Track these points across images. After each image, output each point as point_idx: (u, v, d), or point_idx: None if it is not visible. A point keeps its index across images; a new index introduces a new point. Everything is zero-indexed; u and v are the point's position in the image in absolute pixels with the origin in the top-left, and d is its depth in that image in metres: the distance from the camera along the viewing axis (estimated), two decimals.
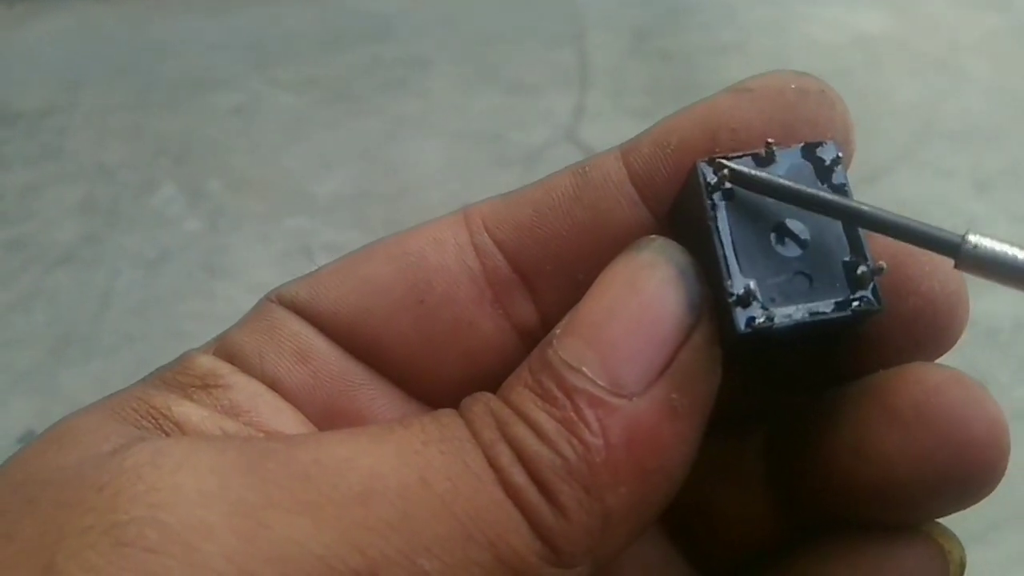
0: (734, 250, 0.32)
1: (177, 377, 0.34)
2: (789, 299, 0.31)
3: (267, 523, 0.27)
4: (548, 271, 0.35)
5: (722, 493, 0.37)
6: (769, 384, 0.37)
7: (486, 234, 0.36)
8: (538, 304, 0.36)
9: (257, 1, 2.00)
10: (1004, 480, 0.31)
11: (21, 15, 1.98)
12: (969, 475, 0.31)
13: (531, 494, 0.29)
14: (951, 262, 0.32)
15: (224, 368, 0.34)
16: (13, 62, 1.88)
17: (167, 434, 0.32)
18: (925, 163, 1.62)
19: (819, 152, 0.33)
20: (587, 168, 0.35)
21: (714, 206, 0.32)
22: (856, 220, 0.32)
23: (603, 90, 1.78)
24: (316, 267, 0.37)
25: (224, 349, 0.35)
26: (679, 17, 1.95)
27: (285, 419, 0.34)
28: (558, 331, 0.31)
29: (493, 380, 0.33)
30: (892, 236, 0.31)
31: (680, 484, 0.31)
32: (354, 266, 0.36)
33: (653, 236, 0.33)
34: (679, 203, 0.34)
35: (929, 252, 0.33)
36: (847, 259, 0.32)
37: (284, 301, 0.36)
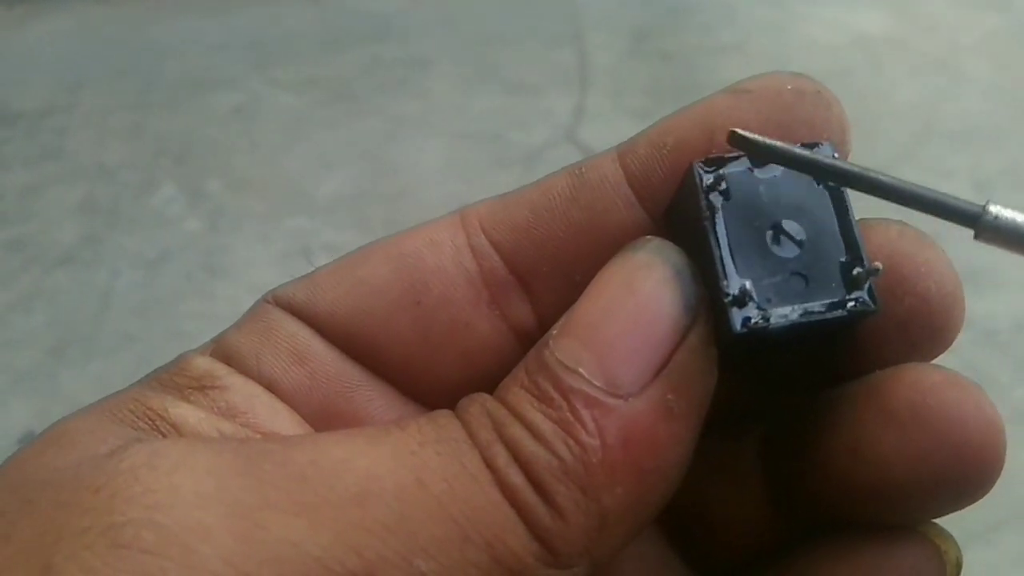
0: (730, 250, 0.32)
1: (174, 378, 0.34)
2: (785, 299, 0.31)
3: (264, 524, 0.27)
4: (545, 272, 0.35)
5: (719, 493, 0.37)
6: (765, 384, 0.37)
7: (483, 235, 0.36)
8: (535, 305, 0.36)
9: (257, 1, 2.00)
10: (1003, 481, 0.31)
11: (21, 16, 1.98)
12: (965, 476, 0.31)
13: (528, 495, 0.29)
14: (947, 262, 0.32)
15: (221, 369, 0.34)
16: (13, 63, 1.89)
17: (164, 436, 0.32)
18: (925, 163, 1.62)
19: (816, 153, 0.33)
20: (583, 169, 0.35)
21: (710, 207, 0.32)
22: (876, 190, 0.31)
23: (603, 90, 1.78)
24: (316, 267, 0.37)
25: (221, 350, 0.35)
26: (679, 17, 1.95)
27: (282, 420, 0.34)
28: (554, 332, 0.31)
29: (490, 381, 0.33)
30: (911, 207, 0.31)
31: (677, 484, 0.31)
32: (351, 267, 0.36)
33: (649, 237, 0.33)
34: (675, 204, 0.34)
35: (925, 252, 0.33)
36: (843, 260, 0.32)
37: (281, 302, 0.36)
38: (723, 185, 0.32)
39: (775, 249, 0.32)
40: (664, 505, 0.31)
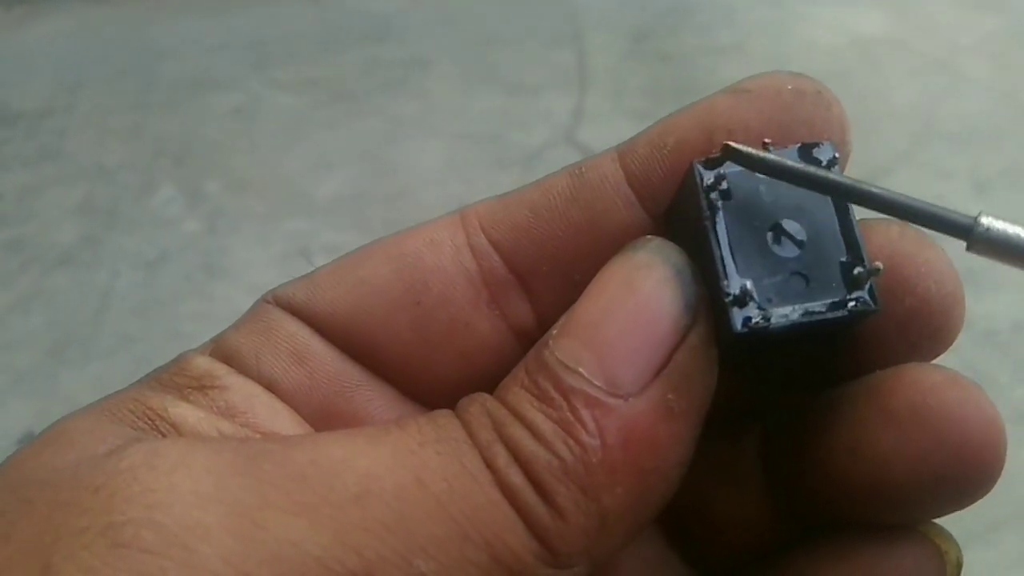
0: (730, 250, 0.32)
1: (173, 378, 0.34)
2: (785, 299, 0.31)
3: (263, 524, 0.27)
4: (544, 272, 0.35)
5: (719, 493, 0.37)
6: (766, 384, 0.37)
7: (482, 235, 0.36)
8: (534, 305, 0.36)
9: (256, 2, 2.00)
10: (1003, 481, 0.31)
11: (20, 17, 1.98)
12: (965, 476, 0.31)
13: (528, 495, 0.29)
14: (948, 262, 0.32)
15: (220, 369, 0.34)
16: (12, 64, 1.89)
17: (163, 435, 0.32)
18: (924, 164, 1.62)
19: (816, 153, 0.33)
20: (583, 169, 0.35)
21: (711, 206, 0.32)
22: (868, 202, 0.31)
23: (602, 91, 1.78)
24: (315, 268, 0.37)
25: (220, 350, 0.35)
26: (678, 18, 1.95)
27: (281, 420, 0.34)
28: (554, 332, 0.31)
29: (490, 381, 0.33)
30: (904, 218, 0.31)
31: (677, 484, 0.31)
32: (351, 267, 0.36)
33: (649, 236, 0.33)
34: (676, 204, 0.34)
35: (926, 252, 0.33)
36: (843, 260, 0.32)
37: (281, 302, 0.36)
38: (724, 185, 0.32)
39: (776, 249, 0.32)
40: (664, 505, 0.31)
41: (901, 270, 0.33)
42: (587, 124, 1.72)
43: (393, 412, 0.36)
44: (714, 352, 0.32)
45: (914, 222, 0.31)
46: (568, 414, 0.30)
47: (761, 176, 0.32)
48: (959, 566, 0.33)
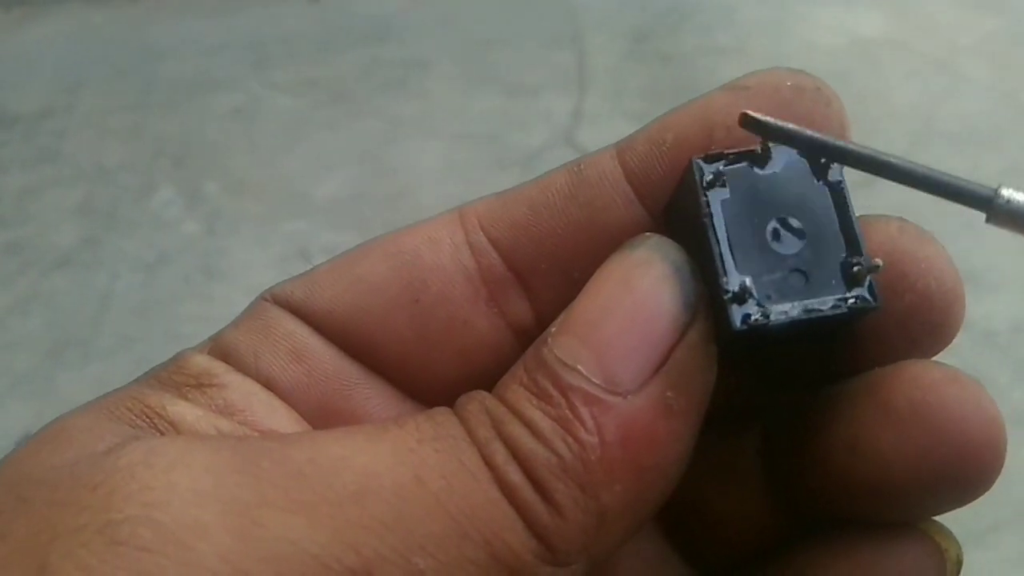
0: (730, 247, 0.31)
1: (172, 376, 0.34)
2: (785, 296, 0.31)
3: (261, 522, 0.27)
4: (543, 269, 0.35)
5: (718, 491, 0.37)
6: (765, 381, 0.37)
7: (481, 233, 0.36)
8: (533, 302, 0.36)
9: (255, 3, 2.00)
10: (1003, 481, 0.31)
11: (19, 18, 1.98)
12: (965, 473, 0.31)
13: (526, 492, 0.29)
14: (948, 259, 0.32)
15: (219, 367, 0.34)
16: (11, 65, 1.89)
17: (162, 433, 0.32)
18: (924, 164, 1.62)
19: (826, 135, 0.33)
20: (582, 166, 0.35)
21: (709, 203, 0.32)
22: (886, 173, 0.31)
23: (601, 92, 1.78)
24: (313, 267, 0.37)
25: (219, 348, 0.35)
26: (677, 19, 1.95)
27: (280, 418, 0.34)
28: (553, 329, 0.31)
29: (488, 379, 0.33)
30: (923, 190, 0.31)
31: (676, 482, 0.31)
32: (349, 265, 0.36)
33: (648, 234, 0.33)
34: (675, 200, 0.34)
35: (925, 249, 0.32)
36: (843, 256, 0.32)
37: (279, 300, 0.36)
38: (723, 181, 0.32)
39: (775, 246, 0.32)
40: (663, 502, 0.31)
41: (901, 266, 0.33)
42: (587, 125, 1.72)
43: (392, 410, 0.36)
44: (713, 349, 0.32)
45: (933, 193, 0.31)
46: (567, 412, 0.30)
47: (760, 172, 0.32)
48: (959, 564, 0.33)
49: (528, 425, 0.30)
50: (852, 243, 0.32)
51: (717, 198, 0.32)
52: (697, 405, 0.31)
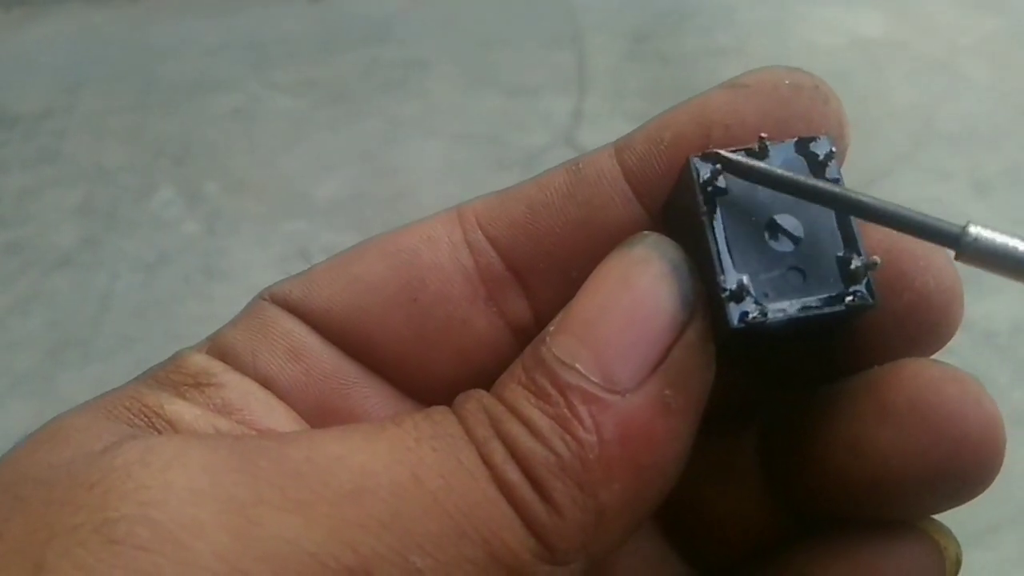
0: (727, 245, 0.31)
1: (170, 376, 0.34)
2: (782, 294, 0.31)
3: (258, 521, 0.27)
4: (542, 268, 0.35)
5: (717, 490, 0.37)
6: (763, 380, 0.37)
7: (479, 231, 0.36)
8: (532, 301, 0.36)
9: (255, 3, 2.00)
10: (1003, 482, 0.31)
11: (19, 18, 1.98)
12: (964, 472, 0.31)
13: (524, 491, 0.29)
14: (946, 257, 0.32)
15: (217, 366, 0.34)
16: (11, 65, 1.89)
17: (160, 432, 0.32)
18: (924, 165, 1.62)
19: (812, 147, 0.33)
20: (581, 165, 0.35)
21: (707, 201, 0.32)
22: (855, 211, 0.31)
23: (601, 93, 1.78)
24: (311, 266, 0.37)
25: (217, 347, 0.35)
26: (677, 20, 1.95)
27: (278, 417, 0.34)
28: (552, 328, 0.31)
29: (487, 378, 0.33)
30: (892, 227, 0.31)
31: (674, 480, 0.31)
32: (347, 264, 0.36)
33: (646, 232, 0.33)
34: (672, 199, 0.34)
35: (924, 247, 0.32)
36: (841, 254, 0.32)
37: (277, 299, 0.36)
38: (720, 180, 0.32)
39: (772, 244, 0.32)
40: (661, 501, 0.31)
41: (899, 264, 0.33)
42: (587, 125, 1.72)
43: (390, 409, 0.36)
44: (711, 348, 0.31)
45: (902, 231, 0.31)
46: (565, 410, 0.29)
47: None
48: (958, 563, 0.33)
49: (526, 424, 0.30)
50: (850, 241, 0.32)
51: (714, 196, 0.32)
52: (695, 403, 0.31)
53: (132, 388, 0.33)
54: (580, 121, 1.73)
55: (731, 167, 0.32)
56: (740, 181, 0.32)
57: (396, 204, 1.57)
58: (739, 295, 0.31)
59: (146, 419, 0.32)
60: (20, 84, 1.85)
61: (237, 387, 0.34)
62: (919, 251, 0.33)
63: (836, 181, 0.33)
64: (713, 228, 0.32)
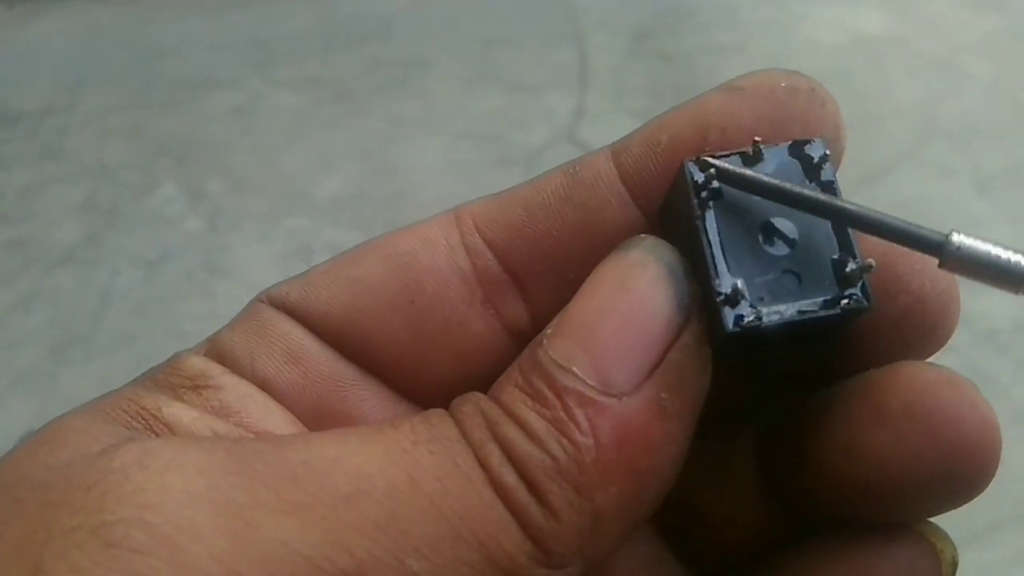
0: (722, 249, 0.31)
1: (168, 378, 0.34)
2: (778, 298, 0.31)
3: (255, 524, 0.27)
4: (539, 271, 0.35)
5: (714, 493, 0.37)
6: (760, 383, 0.37)
7: (477, 234, 0.36)
8: (529, 304, 0.36)
9: (257, 1, 2.00)
10: (1004, 480, 0.31)
11: (22, 16, 1.98)
12: (960, 475, 0.31)
13: (521, 494, 0.29)
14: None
15: (214, 369, 0.34)
16: (13, 63, 1.89)
17: (157, 435, 0.32)
18: (926, 163, 1.62)
19: (807, 150, 0.33)
20: (578, 167, 0.35)
21: (701, 205, 0.32)
22: (841, 218, 0.32)
23: (603, 91, 1.78)
24: (310, 267, 0.37)
25: (215, 350, 0.35)
26: (679, 18, 1.95)
27: (275, 420, 0.34)
28: (549, 331, 0.31)
29: (484, 380, 0.33)
30: (877, 235, 0.31)
31: (671, 484, 0.31)
32: (345, 266, 0.36)
33: (643, 235, 0.33)
34: (668, 202, 0.34)
35: None
36: (836, 257, 0.32)
37: (275, 302, 0.36)
38: (715, 183, 0.32)
39: (767, 247, 0.32)
40: (658, 504, 0.31)
41: (895, 267, 0.33)
42: (588, 123, 1.72)
43: (387, 411, 0.36)
44: (708, 351, 0.31)
45: (886, 238, 0.31)
46: (561, 413, 0.30)
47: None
48: (955, 565, 0.33)
49: (523, 427, 0.30)
50: (845, 244, 0.32)
51: (709, 200, 0.32)
52: (692, 407, 0.31)
53: (130, 390, 0.34)
54: (582, 119, 1.73)
55: (721, 175, 0.32)
56: None
57: (397, 202, 1.57)
58: (734, 299, 0.31)
59: (144, 421, 0.32)
60: (23, 81, 1.85)
61: (235, 389, 0.34)
62: (915, 254, 0.33)
63: (831, 183, 0.33)
64: (708, 232, 0.32)
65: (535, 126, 1.71)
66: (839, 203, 0.31)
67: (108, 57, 1.89)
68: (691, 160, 0.32)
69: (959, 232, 0.30)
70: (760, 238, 0.32)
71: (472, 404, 0.31)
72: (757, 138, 0.32)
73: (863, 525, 0.33)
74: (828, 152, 0.33)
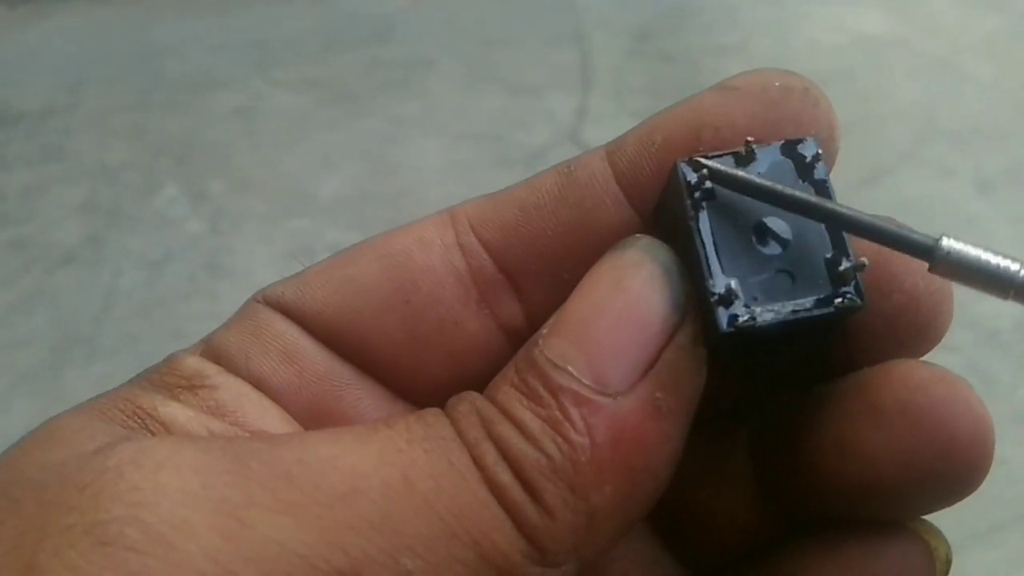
0: (715, 249, 0.32)
1: (164, 378, 0.34)
2: (772, 297, 0.31)
3: (249, 522, 0.27)
4: (534, 270, 0.35)
5: (709, 491, 0.37)
6: (754, 382, 0.37)
7: (472, 234, 0.36)
8: (524, 303, 0.36)
9: (258, 2, 2.00)
10: (1006, 480, 0.31)
11: (23, 16, 1.99)
12: (954, 472, 0.31)
13: (516, 493, 0.29)
14: None
15: (210, 368, 0.34)
16: (15, 63, 1.89)
17: (153, 434, 0.32)
18: (926, 163, 1.62)
19: (799, 149, 0.33)
20: (572, 167, 0.35)
21: (694, 206, 0.32)
22: (832, 221, 0.32)
23: (605, 91, 1.78)
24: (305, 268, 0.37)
25: (210, 350, 0.35)
26: (680, 18, 1.95)
27: (271, 419, 0.34)
28: (544, 331, 0.31)
29: (479, 380, 0.33)
30: (868, 238, 0.31)
31: (666, 483, 0.31)
32: (340, 266, 0.36)
33: (638, 235, 0.33)
34: (662, 203, 0.34)
35: None
36: (829, 256, 0.32)
37: (270, 301, 0.36)
38: (708, 184, 0.32)
39: (761, 247, 0.32)
40: (653, 503, 0.31)
41: (888, 266, 0.33)
42: (590, 124, 1.72)
43: (382, 411, 0.36)
44: (702, 351, 0.32)
45: (876, 242, 0.31)
46: (557, 412, 0.30)
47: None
48: (948, 563, 0.33)
49: (518, 426, 0.30)
50: (838, 243, 0.32)
51: (702, 200, 0.32)
52: (687, 406, 0.31)
53: (126, 390, 0.34)
54: (584, 119, 1.73)
55: (714, 175, 0.32)
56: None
57: (399, 202, 1.57)
58: (728, 299, 0.31)
59: (140, 421, 0.32)
60: (24, 82, 1.85)
61: (230, 389, 0.34)
62: None
63: (823, 183, 0.33)
64: (700, 232, 0.32)
65: (536, 126, 1.72)
66: (830, 206, 0.31)
67: (109, 57, 1.89)
68: (684, 160, 0.32)
69: (949, 237, 0.30)
70: (753, 238, 0.32)
71: (467, 403, 0.31)
72: (749, 138, 0.32)
73: (857, 523, 0.34)
74: (820, 151, 0.33)
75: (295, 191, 1.62)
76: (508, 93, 1.79)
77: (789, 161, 0.33)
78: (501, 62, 1.85)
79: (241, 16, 1.97)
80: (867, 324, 0.33)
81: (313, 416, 0.35)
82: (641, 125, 0.35)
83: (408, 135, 1.70)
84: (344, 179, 1.64)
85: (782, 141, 0.33)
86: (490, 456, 0.29)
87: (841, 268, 0.32)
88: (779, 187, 0.32)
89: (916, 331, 0.33)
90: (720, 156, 0.32)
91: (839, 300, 0.31)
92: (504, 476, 0.29)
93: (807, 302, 0.32)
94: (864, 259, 0.32)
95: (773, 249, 0.32)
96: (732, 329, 0.31)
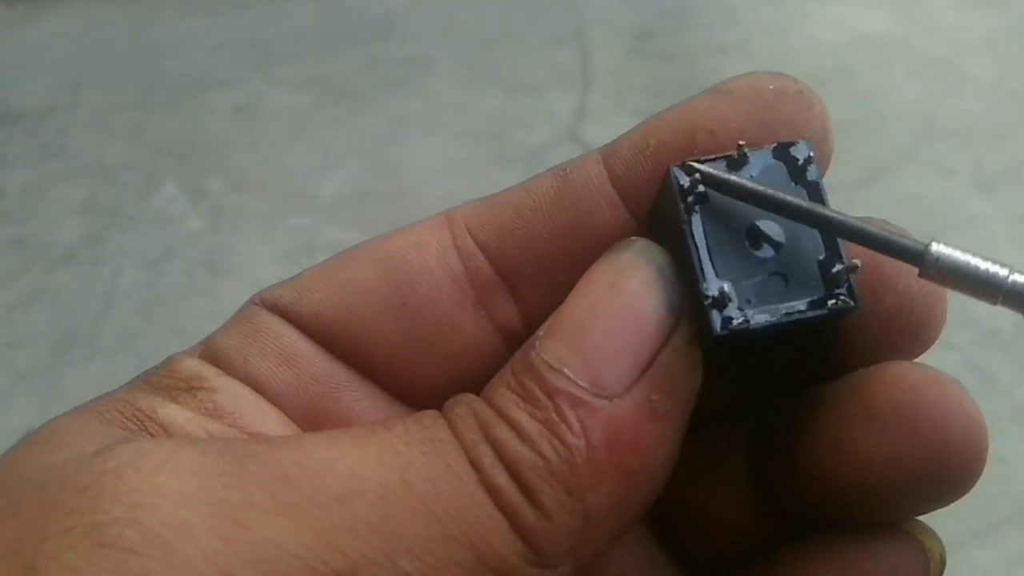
0: (708, 252, 0.32)
1: (163, 380, 0.34)
2: (765, 300, 0.32)
3: (247, 524, 0.27)
4: (530, 273, 0.36)
5: (705, 493, 0.38)
6: (749, 384, 0.37)
7: (468, 236, 0.36)
8: (520, 306, 0.36)
9: (258, 1, 2.00)
10: (1006, 478, 0.32)
11: (22, 15, 1.98)
12: (947, 473, 0.31)
13: (513, 495, 0.29)
14: None
15: (209, 371, 0.35)
16: (14, 62, 1.89)
17: (152, 436, 0.32)
18: (927, 162, 1.61)
19: (792, 152, 0.33)
20: (568, 170, 0.35)
21: (688, 209, 0.32)
22: (822, 225, 0.32)
23: (605, 90, 1.78)
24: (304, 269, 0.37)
25: (209, 352, 0.35)
26: (680, 17, 1.95)
27: (269, 421, 0.34)
28: (541, 333, 0.32)
29: (476, 382, 0.33)
30: (858, 243, 0.31)
31: (662, 484, 0.31)
32: (337, 269, 0.36)
33: (634, 238, 0.33)
34: (656, 206, 0.34)
35: None
36: (822, 258, 0.32)
37: (268, 304, 0.36)
38: (701, 187, 0.32)
39: (754, 250, 0.32)
40: (649, 505, 0.31)
41: (881, 268, 0.33)
42: (590, 123, 1.71)
43: (380, 413, 0.36)
44: (698, 353, 0.32)
45: (867, 247, 0.31)
46: (553, 414, 0.30)
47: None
48: (943, 563, 0.34)
49: (515, 428, 0.30)
50: (831, 244, 0.32)
51: (695, 204, 0.32)
52: (682, 408, 0.31)
53: (125, 392, 0.34)
54: (584, 118, 1.73)
55: (707, 179, 0.32)
56: None
57: (399, 201, 1.57)
58: (721, 302, 0.31)
59: (139, 423, 0.32)
60: (23, 81, 1.85)
61: (229, 391, 0.34)
62: None
63: (816, 185, 0.33)
64: (694, 236, 0.32)
65: (536, 125, 1.71)
66: (820, 210, 0.32)
67: (109, 57, 1.89)
68: (677, 165, 0.32)
69: (939, 242, 0.30)
70: (746, 241, 0.32)
71: (464, 405, 0.31)
72: (741, 142, 0.33)
73: (852, 524, 0.34)
74: (812, 154, 0.33)
75: (295, 190, 1.62)
76: (508, 92, 1.79)
77: (781, 164, 0.33)
78: (501, 61, 1.84)
79: (241, 15, 1.97)
80: (860, 326, 0.33)
81: (311, 418, 0.35)
82: (636, 128, 0.35)
83: (408, 134, 1.70)
84: (344, 178, 1.64)
85: (775, 144, 0.33)
86: (487, 458, 0.29)
87: (834, 270, 0.32)
88: (770, 191, 0.32)
89: (909, 332, 0.33)
90: (713, 160, 0.33)
91: (832, 302, 0.32)
92: (501, 478, 0.29)
93: (800, 304, 0.32)
94: (857, 261, 0.32)
95: (766, 252, 0.32)
96: (726, 332, 0.31)
